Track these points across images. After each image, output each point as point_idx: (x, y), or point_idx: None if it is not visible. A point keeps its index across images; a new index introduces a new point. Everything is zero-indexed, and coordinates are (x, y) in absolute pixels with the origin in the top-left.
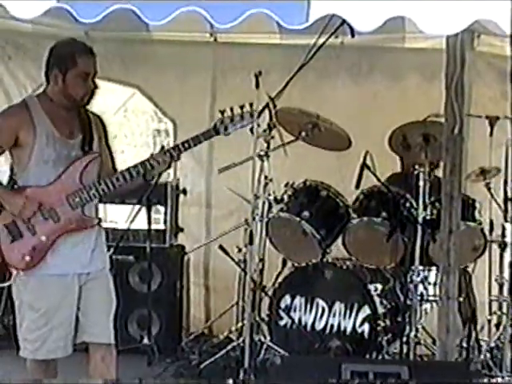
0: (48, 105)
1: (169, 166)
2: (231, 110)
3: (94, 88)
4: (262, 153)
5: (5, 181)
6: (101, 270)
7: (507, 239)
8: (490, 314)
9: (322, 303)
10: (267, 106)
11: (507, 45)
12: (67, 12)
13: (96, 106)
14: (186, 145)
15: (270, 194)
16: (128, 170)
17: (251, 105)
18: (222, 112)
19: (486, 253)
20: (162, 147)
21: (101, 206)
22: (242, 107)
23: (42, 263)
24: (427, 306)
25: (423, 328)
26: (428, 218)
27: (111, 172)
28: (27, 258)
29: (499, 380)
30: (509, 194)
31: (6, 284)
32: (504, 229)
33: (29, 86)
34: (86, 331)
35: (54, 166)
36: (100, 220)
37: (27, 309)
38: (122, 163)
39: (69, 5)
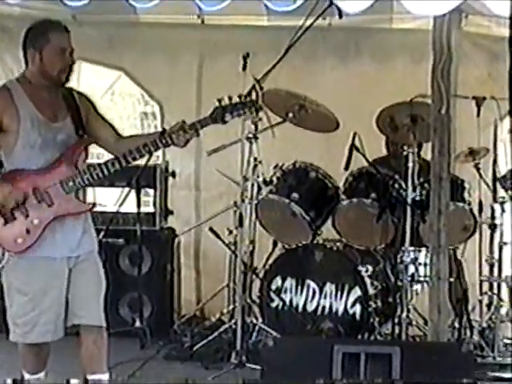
0: (29, 87)
1: (187, 141)
2: (229, 98)
3: (71, 63)
4: (251, 135)
5: None
6: (90, 253)
7: (496, 220)
8: (481, 294)
9: (312, 285)
10: (254, 87)
11: (494, 25)
12: None
13: (82, 88)
14: (199, 125)
15: (258, 176)
16: (124, 156)
17: (249, 93)
18: (220, 100)
19: (476, 233)
20: (163, 131)
21: (90, 189)
22: (240, 96)
23: (32, 246)
24: (418, 286)
25: (414, 309)
26: (417, 198)
27: (118, 138)
28: (19, 241)
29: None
30: (498, 175)
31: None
32: (493, 209)
33: (15, 69)
34: (75, 314)
35: (40, 150)
36: (94, 205)
37: (16, 292)
38: None
39: None
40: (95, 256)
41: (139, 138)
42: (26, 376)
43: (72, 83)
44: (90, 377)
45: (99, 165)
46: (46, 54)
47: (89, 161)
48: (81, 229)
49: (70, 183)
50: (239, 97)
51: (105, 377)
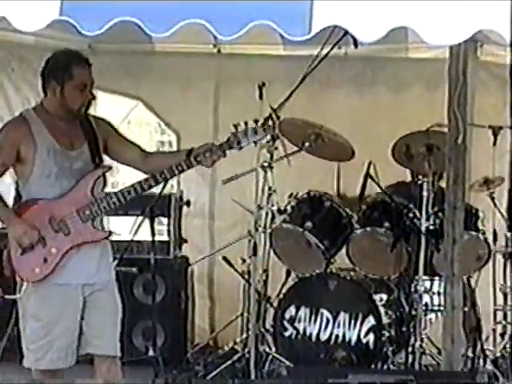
0: (46, 117)
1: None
2: (245, 124)
3: (91, 98)
4: (266, 164)
5: (11, 193)
6: (107, 282)
7: (510, 249)
8: (495, 323)
9: (326, 314)
10: (270, 117)
11: (510, 54)
12: (70, 24)
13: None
14: (216, 151)
15: (273, 205)
16: (140, 183)
17: (266, 119)
18: (236, 126)
19: (490, 262)
20: (190, 150)
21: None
22: (256, 121)
23: (50, 275)
24: (432, 315)
25: (428, 338)
26: (431, 227)
27: (145, 155)
28: (37, 270)
29: None
30: None
31: (16, 296)
32: (507, 239)
33: (32, 98)
34: (90, 343)
35: (56, 179)
36: (111, 233)
37: (30, 318)
38: (127, 175)
39: (72, 17)
40: (112, 285)
41: (167, 155)
42: None
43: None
44: None
45: (115, 193)
46: (68, 89)
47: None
48: (98, 256)
49: (87, 212)
50: (255, 121)
51: None
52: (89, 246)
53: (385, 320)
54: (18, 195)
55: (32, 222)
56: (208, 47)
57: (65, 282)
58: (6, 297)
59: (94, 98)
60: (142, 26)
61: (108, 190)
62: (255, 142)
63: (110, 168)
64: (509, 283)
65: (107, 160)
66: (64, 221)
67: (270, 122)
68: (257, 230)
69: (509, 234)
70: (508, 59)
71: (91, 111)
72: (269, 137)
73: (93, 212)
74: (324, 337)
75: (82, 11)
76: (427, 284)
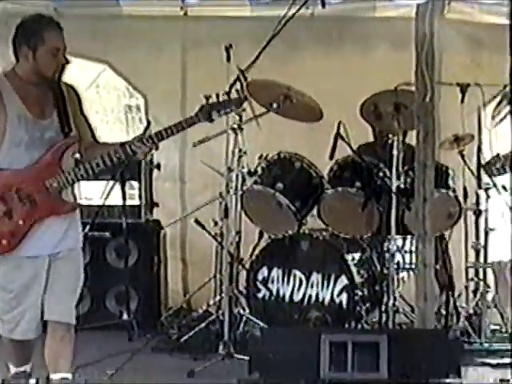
0: (18, 83)
1: (149, 151)
2: (217, 96)
3: (64, 63)
4: (235, 126)
5: None
6: (71, 250)
7: (481, 206)
8: (467, 280)
9: (299, 274)
10: (238, 78)
11: (477, 11)
12: None
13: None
14: (169, 131)
15: (243, 167)
16: (108, 154)
17: (237, 91)
18: (207, 98)
19: (461, 220)
20: (144, 132)
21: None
22: (228, 93)
23: (18, 247)
24: (404, 274)
25: (401, 296)
26: (402, 186)
27: (91, 143)
28: (4, 242)
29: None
30: (482, 161)
31: None
32: (478, 196)
33: (0, 67)
34: (48, 309)
35: (26, 148)
36: (77, 205)
37: (1, 290)
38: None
39: None
40: (76, 253)
41: (108, 147)
42: (12, 368)
43: None
44: (52, 375)
45: (84, 165)
46: (40, 54)
47: None
48: (65, 227)
49: (54, 184)
50: (227, 93)
51: (68, 376)
52: (56, 217)
53: (357, 279)
54: None
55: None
56: (175, 10)
57: (33, 254)
58: None
59: (67, 62)
60: None
61: None
62: (226, 114)
63: (77, 140)
64: (481, 240)
65: None
66: (31, 193)
67: (240, 92)
68: (228, 192)
69: (479, 192)
70: (476, 16)
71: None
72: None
73: (60, 184)
74: (297, 297)
75: None
76: (399, 243)
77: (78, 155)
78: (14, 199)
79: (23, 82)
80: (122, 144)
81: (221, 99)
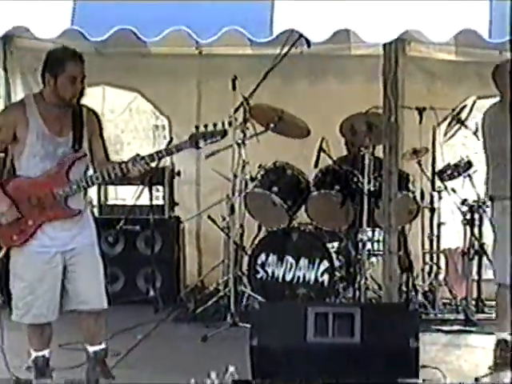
0: (42, 104)
1: (143, 169)
2: (205, 126)
3: (82, 89)
4: (240, 141)
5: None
6: (85, 246)
7: (435, 205)
8: (424, 264)
9: (290, 259)
10: (242, 104)
11: (432, 50)
12: (79, 33)
13: (107, 107)
14: (160, 154)
15: (246, 174)
16: (107, 170)
17: (223, 124)
18: (197, 127)
19: (419, 216)
20: (138, 154)
21: (112, 187)
22: (215, 125)
23: (28, 242)
24: (374, 259)
25: (371, 277)
26: (372, 189)
27: (103, 160)
28: (15, 237)
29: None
30: (435, 169)
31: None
32: (432, 196)
33: None
34: (75, 300)
35: (41, 160)
36: (80, 212)
37: (16, 279)
38: (129, 153)
39: (80, 27)
40: (92, 248)
41: (113, 165)
42: (34, 353)
43: (98, 103)
44: (90, 348)
45: (85, 178)
46: (60, 81)
47: None
48: (74, 228)
49: (60, 192)
50: (214, 124)
51: (103, 346)
52: (64, 219)
53: (336, 263)
54: (13, 168)
55: (16, 197)
56: (191, 49)
57: (43, 250)
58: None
59: (84, 88)
60: (138, 33)
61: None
62: (212, 143)
63: (84, 155)
64: (434, 232)
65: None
66: (41, 198)
67: (223, 126)
68: (234, 194)
69: (433, 193)
70: (432, 54)
71: (101, 102)
72: (241, 119)
73: (65, 192)
74: (288, 277)
75: (88, 22)
76: (370, 234)
77: (91, 171)
78: (26, 202)
79: (46, 103)
80: (120, 163)
81: (208, 129)
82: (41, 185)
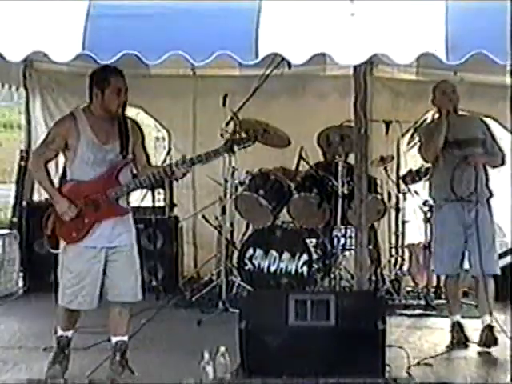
0: (91, 117)
1: (185, 173)
2: (238, 133)
3: (125, 100)
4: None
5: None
6: (125, 245)
7: (400, 205)
8: (390, 256)
9: (274, 253)
10: (232, 118)
11: (396, 71)
12: (90, 57)
13: None
14: (200, 158)
15: (235, 179)
16: (153, 174)
17: (252, 131)
18: (232, 134)
19: (386, 215)
20: (167, 155)
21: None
22: (247, 132)
23: (84, 238)
24: (347, 252)
25: (345, 268)
26: (345, 192)
27: (145, 164)
28: (74, 234)
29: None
30: (400, 174)
31: (58, 251)
32: (397, 198)
33: (66, 109)
34: (109, 292)
35: (92, 166)
36: (129, 210)
37: (65, 270)
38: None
39: (91, 51)
40: (130, 247)
41: (157, 169)
42: (60, 331)
43: None
44: (112, 338)
45: (134, 181)
46: (107, 94)
47: None
48: (120, 227)
49: (113, 193)
50: (246, 132)
51: (124, 339)
52: (112, 218)
53: (314, 256)
54: (64, 173)
55: (71, 198)
56: (187, 71)
57: (92, 245)
58: (52, 251)
59: (126, 100)
60: (141, 57)
61: None
62: (244, 148)
63: (132, 160)
64: (399, 228)
65: None
66: (95, 199)
67: (254, 133)
68: (225, 196)
69: (398, 195)
70: (396, 75)
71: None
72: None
73: (117, 193)
74: (272, 269)
75: (97, 47)
76: (343, 231)
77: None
78: (83, 203)
79: (95, 116)
80: (165, 166)
81: (241, 137)
82: (95, 187)
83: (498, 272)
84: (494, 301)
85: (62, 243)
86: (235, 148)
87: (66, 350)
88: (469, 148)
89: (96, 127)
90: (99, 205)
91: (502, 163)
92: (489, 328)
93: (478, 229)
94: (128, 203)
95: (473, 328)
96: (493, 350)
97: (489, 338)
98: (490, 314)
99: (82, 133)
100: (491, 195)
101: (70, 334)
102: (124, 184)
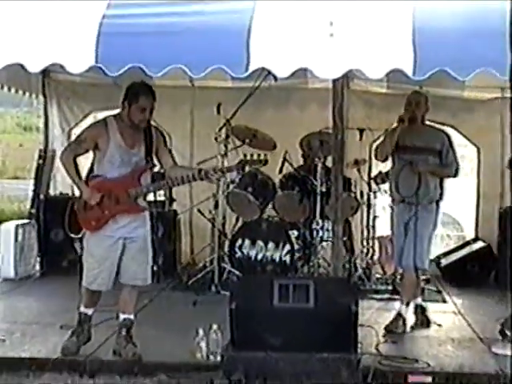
0: (120, 123)
1: (218, 179)
2: (251, 156)
3: (149, 117)
4: (223, 152)
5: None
6: (139, 237)
7: (371, 202)
8: (362, 247)
9: (261, 243)
10: (225, 124)
11: (369, 85)
12: (101, 69)
13: None
14: (218, 172)
15: (227, 178)
16: (171, 179)
17: (262, 155)
18: (245, 155)
19: (359, 210)
20: (200, 170)
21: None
22: (259, 155)
23: (102, 228)
24: (325, 243)
25: (322, 257)
26: (323, 190)
27: (172, 165)
28: (93, 223)
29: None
30: (371, 175)
31: (79, 236)
32: (369, 196)
33: (80, 114)
34: (124, 275)
35: (118, 166)
36: (145, 208)
37: (88, 255)
38: None
39: (102, 64)
40: (144, 239)
41: (184, 170)
42: (82, 308)
43: None
44: (120, 315)
45: (153, 184)
46: (132, 109)
47: None
48: (137, 222)
49: (133, 192)
50: (258, 155)
51: (130, 317)
52: (130, 214)
53: (296, 246)
54: (91, 168)
55: (96, 189)
56: (186, 82)
57: (111, 235)
58: (73, 236)
59: (151, 117)
60: (145, 69)
61: None
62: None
63: (153, 165)
64: (370, 222)
65: None
66: (116, 195)
67: (265, 157)
68: (218, 193)
69: (370, 193)
70: (369, 88)
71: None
72: (224, 136)
73: (137, 193)
74: (259, 257)
75: (108, 60)
76: (321, 224)
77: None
78: (105, 197)
79: (123, 123)
80: (199, 170)
81: (253, 158)
82: (118, 185)
83: (427, 267)
84: (450, 287)
85: (86, 232)
86: (246, 167)
87: (86, 325)
88: (422, 155)
89: (124, 133)
90: (119, 200)
91: (455, 175)
92: (421, 310)
93: (416, 228)
94: (146, 203)
95: (433, 310)
96: (453, 330)
97: (421, 319)
98: (415, 297)
99: (112, 137)
100: (441, 198)
101: (90, 311)
102: (144, 185)
